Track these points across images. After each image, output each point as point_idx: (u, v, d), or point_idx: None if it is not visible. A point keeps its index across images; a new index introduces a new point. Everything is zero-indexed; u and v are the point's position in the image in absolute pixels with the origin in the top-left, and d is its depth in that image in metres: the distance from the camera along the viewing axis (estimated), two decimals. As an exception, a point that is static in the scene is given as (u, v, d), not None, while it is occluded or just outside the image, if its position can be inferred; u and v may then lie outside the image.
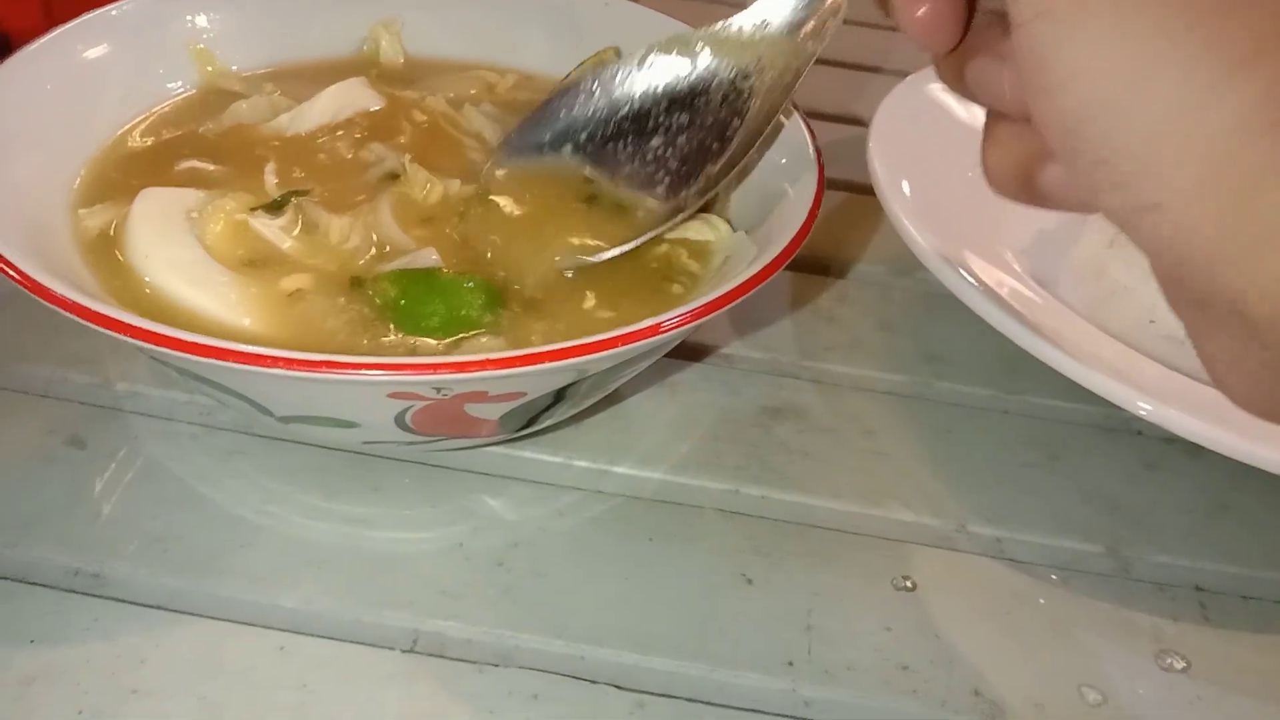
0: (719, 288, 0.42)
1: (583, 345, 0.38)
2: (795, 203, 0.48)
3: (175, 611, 0.45)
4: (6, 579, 0.46)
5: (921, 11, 0.37)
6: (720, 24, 0.49)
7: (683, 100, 0.50)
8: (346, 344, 0.44)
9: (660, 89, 0.51)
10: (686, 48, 0.50)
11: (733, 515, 0.52)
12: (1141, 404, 0.50)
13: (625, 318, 0.45)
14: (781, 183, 0.51)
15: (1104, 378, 0.51)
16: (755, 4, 0.48)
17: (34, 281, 0.39)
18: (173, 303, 0.45)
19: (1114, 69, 0.28)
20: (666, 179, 0.50)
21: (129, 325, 0.37)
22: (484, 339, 0.45)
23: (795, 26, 0.47)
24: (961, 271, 0.57)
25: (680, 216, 0.50)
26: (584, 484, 0.53)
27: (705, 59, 0.50)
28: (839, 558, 0.51)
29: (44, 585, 0.46)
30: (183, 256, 0.46)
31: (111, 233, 0.48)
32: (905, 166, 0.64)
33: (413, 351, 0.45)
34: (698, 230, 0.52)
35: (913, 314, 0.66)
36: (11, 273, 0.40)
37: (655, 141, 0.51)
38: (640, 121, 0.51)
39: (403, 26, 0.64)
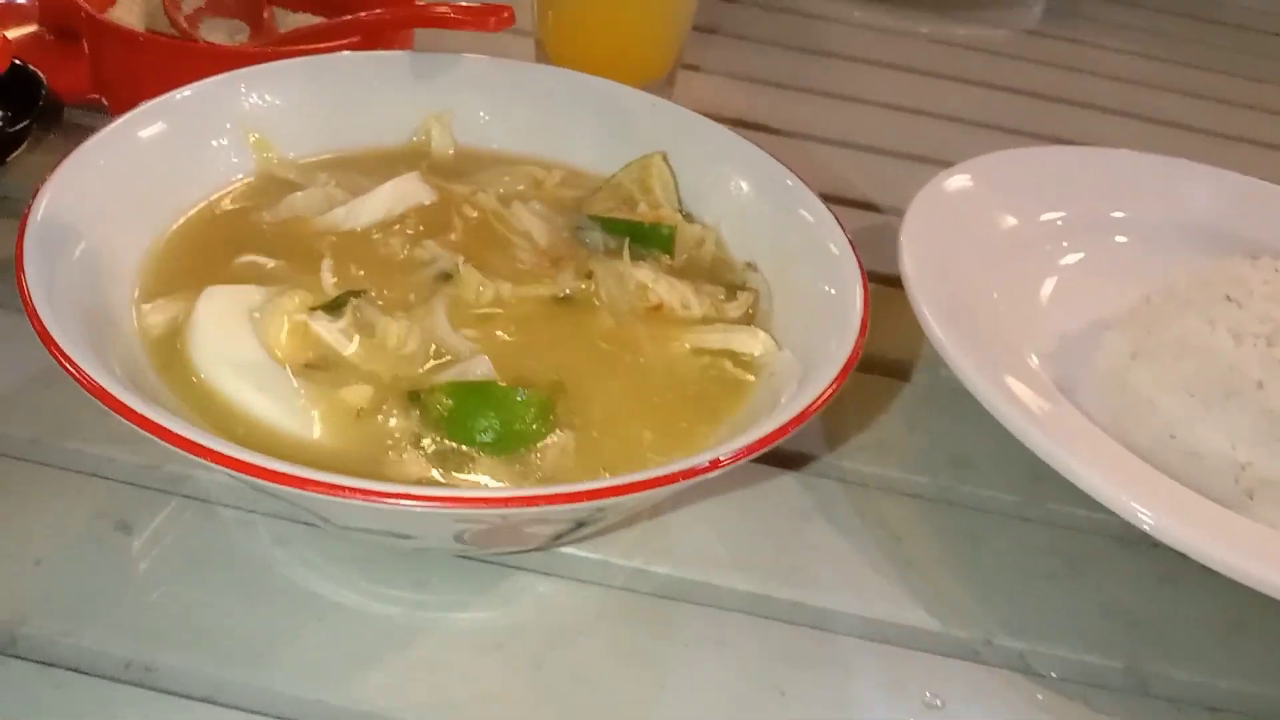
0: (774, 417, 0.44)
1: (652, 479, 0.39)
2: (838, 334, 0.49)
3: (223, 706, 0.46)
4: (61, 668, 0.47)
5: None
6: None
7: None
8: (412, 459, 0.46)
9: None
10: None
11: (766, 620, 0.53)
12: (1146, 520, 0.52)
13: (677, 431, 0.47)
14: (825, 303, 0.53)
15: (1119, 493, 0.52)
16: None
17: (110, 396, 0.40)
18: (239, 409, 0.46)
19: None
20: None
21: (211, 450, 0.38)
22: (556, 438, 0.47)
23: None
24: (986, 376, 0.58)
25: None
26: (621, 583, 0.54)
27: None
28: (870, 669, 0.52)
29: (97, 676, 0.47)
30: (249, 361, 0.47)
31: (175, 330, 0.49)
32: (935, 266, 0.66)
33: (473, 464, 0.46)
34: (743, 343, 0.54)
35: (939, 414, 0.68)
36: (76, 376, 0.41)
37: None
38: None
39: (454, 118, 0.65)
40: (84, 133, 0.54)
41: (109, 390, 0.40)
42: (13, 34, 0.87)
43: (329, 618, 0.50)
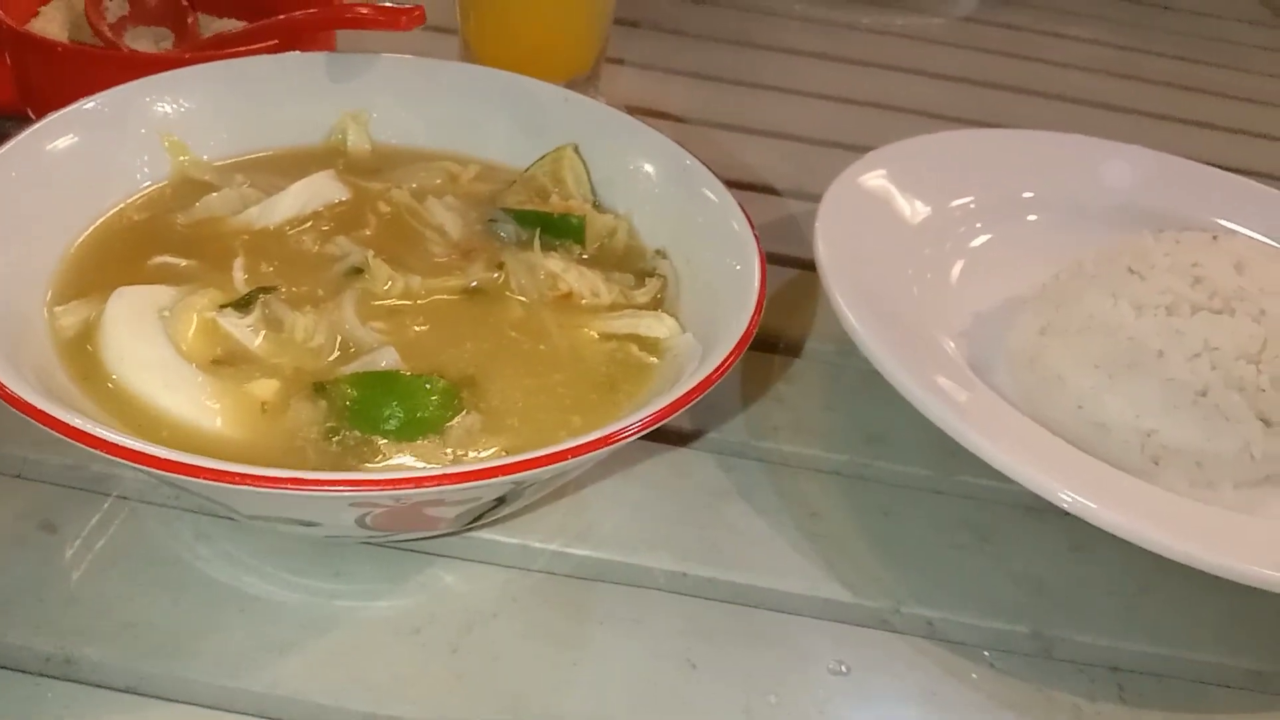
0: (665, 395, 0.45)
1: (540, 457, 0.41)
2: (736, 314, 0.51)
3: (146, 696, 0.47)
4: (-19, 665, 0.47)
5: None
6: None
7: None
8: (315, 448, 0.47)
9: None
10: None
11: (680, 597, 0.55)
12: (1063, 496, 0.53)
13: (581, 412, 0.48)
14: (728, 286, 0.54)
15: (1029, 469, 0.54)
16: None
17: (10, 394, 0.41)
18: (147, 405, 0.47)
19: None
20: None
21: (103, 441, 0.39)
22: (463, 422, 0.48)
23: None
24: (897, 359, 0.59)
25: None
26: (540, 566, 0.55)
27: None
28: (779, 640, 0.53)
29: (17, 670, 0.47)
30: (156, 358, 0.48)
31: (87, 332, 0.50)
32: (849, 250, 0.67)
33: (381, 452, 0.47)
34: (649, 326, 0.55)
35: (856, 393, 0.69)
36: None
37: None
38: None
39: (370, 117, 0.66)
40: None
41: (10, 388, 0.41)
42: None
43: (249, 609, 0.51)
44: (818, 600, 0.56)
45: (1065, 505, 0.53)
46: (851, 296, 0.63)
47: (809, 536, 0.59)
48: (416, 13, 0.64)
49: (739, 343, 0.48)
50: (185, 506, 0.55)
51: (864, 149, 0.78)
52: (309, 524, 0.46)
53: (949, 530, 0.61)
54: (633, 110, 0.67)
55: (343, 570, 0.53)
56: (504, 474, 0.40)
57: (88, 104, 0.58)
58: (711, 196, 0.59)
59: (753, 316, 0.50)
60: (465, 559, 0.55)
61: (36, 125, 0.56)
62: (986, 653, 0.55)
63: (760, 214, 0.59)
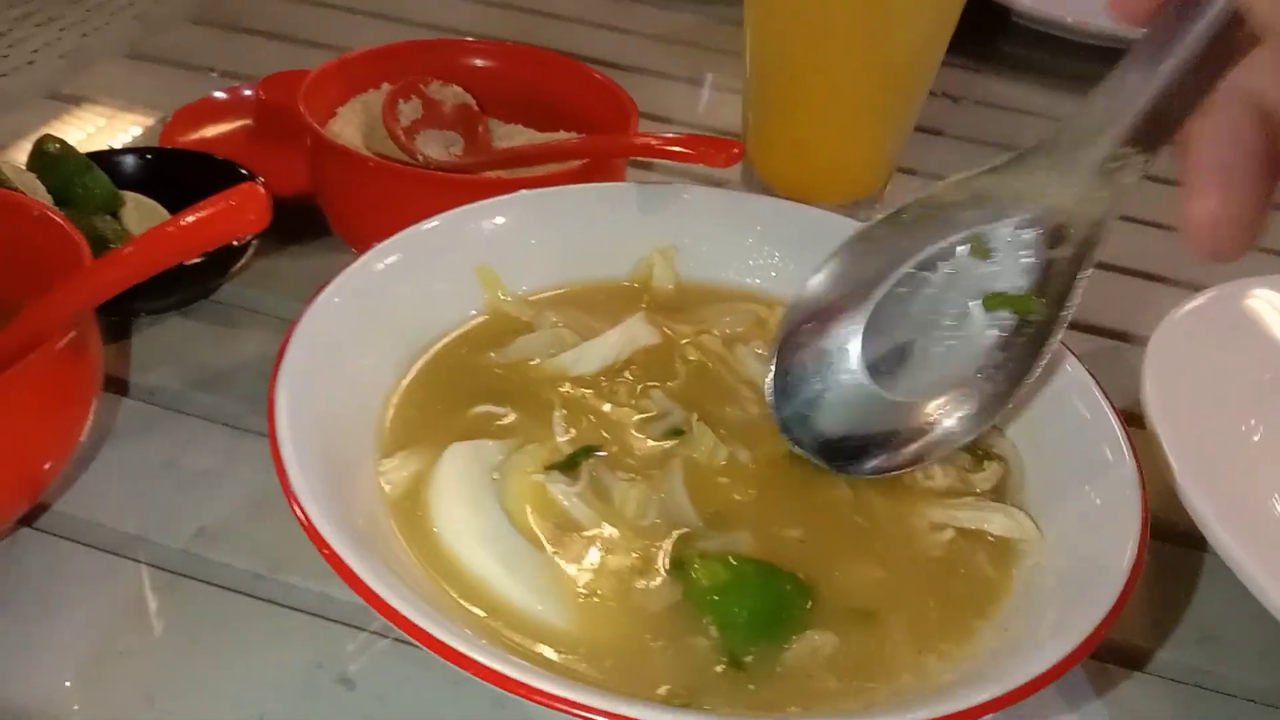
0: (1042, 652, 0.40)
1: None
2: (1109, 525, 0.46)
3: None
4: (287, 833, 0.46)
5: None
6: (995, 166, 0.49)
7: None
8: (664, 652, 0.44)
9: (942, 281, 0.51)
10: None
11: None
12: None
13: (931, 638, 0.44)
14: (1091, 482, 0.49)
15: None
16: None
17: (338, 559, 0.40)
18: (476, 578, 0.45)
19: None
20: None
21: (500, 674, 0.37)
22: (814, 637, 0.44)
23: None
24: (1245, 548, 0.52)
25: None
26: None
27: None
28: None
29: None
30: (490, 530, 0.46)
31: (415, 489, 0.49)
32: (1180, 405, 0.61)
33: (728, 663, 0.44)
34: (999, 524, 0.50)
35: (1184, 580, 0.63)
36: (325, 552, 0.41)
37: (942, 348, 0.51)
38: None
39: (676, 251, 0.64)
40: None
41: (353, 568, 0.40)
42: (227, 126, 0.89)
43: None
44: (1161, 840, 0.50)
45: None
46: (1192, 471, 0.56)
47: (1145, 759, 0.53)
48: (736, 150, 0.61)
49: (1130, 575, 0.42)
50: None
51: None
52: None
53: (1299, 762, 0.54)
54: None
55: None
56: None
57: (422, 228, 0.57)
58: (1066, 368, 0.54)
59: (1140, 535, 0.44)
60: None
61: (373, 251, 0.55)
62: None
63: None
